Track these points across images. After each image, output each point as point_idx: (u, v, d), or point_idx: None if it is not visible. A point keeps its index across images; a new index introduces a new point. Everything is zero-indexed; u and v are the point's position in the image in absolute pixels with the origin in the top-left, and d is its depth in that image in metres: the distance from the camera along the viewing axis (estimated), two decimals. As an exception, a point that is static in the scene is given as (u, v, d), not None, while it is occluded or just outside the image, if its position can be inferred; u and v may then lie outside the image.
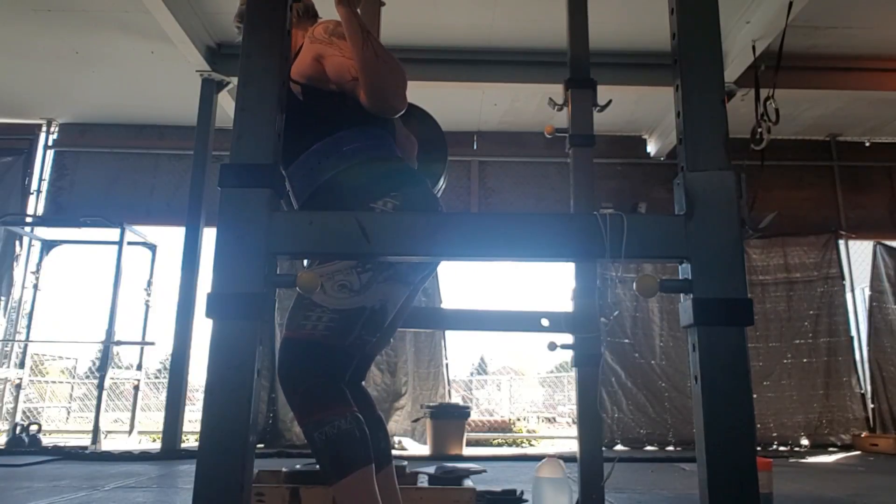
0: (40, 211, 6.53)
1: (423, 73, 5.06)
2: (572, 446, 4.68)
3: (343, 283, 1.44)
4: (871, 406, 6.04)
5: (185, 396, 5.28)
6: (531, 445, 6.53)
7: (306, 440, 1.40)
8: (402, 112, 1.57)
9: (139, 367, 6.15)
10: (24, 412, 6.40)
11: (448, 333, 6.19)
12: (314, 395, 1.40)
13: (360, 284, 1.45)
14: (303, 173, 1.57)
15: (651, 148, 6.83)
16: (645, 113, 6.37)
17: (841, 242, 6.45)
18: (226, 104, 5.62)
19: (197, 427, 5.30)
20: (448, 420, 5.25)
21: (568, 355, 2.15)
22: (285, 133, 1.57)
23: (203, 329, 3.81)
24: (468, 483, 2.52)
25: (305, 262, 1.67)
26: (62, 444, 5.33)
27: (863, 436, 5.77)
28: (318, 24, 1.60)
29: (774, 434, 5.91)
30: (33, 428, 5.24)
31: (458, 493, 2.32)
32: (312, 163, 1.56)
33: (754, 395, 5.82)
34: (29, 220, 6.31)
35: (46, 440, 5.58)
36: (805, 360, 6.05)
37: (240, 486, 0.90)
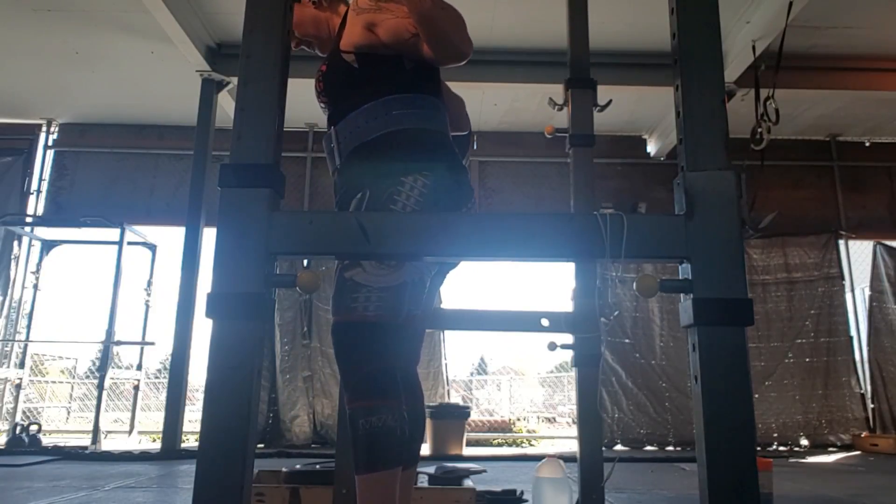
0: (40, 211, 6.53)
1: (423, 73, 5.05)
2: (572, 446, 4.68)
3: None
4: (871, 406, 6.04)
5: (185, 396, 5.28)
6: (531, 445, 6.53)
7: (349, 422, 1.40)
8: (468, 57, 1.56)
9: (139, 367, 6.15)
10: (24, 412, 6.40)
11: (448, 333, 6.19)
12: (371, 382, 1.41)
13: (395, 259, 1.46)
14: (349, 130, 1.57)
15: (651, 148, 6.83)
16: (645, 113, 6.37)
17: (841, 242, 6.45)
18: (226, 104, 5.62)
19: (197, 427, 5.31)
20: (448, 420, 5.25)
21: (568, 355, 2.15)
22: (338, 97, 1.62)
23: (203, 329, 3.81)
24: (468, 483, 2.52)
25: (305, 261, 1.69)
26: (62, 444, 5.34)
27: (863, 436, 5.77)
28: None
29: (775, 434, 5.91)
30: (33, 428, 5.24)
31: (458, 493, 2.32)
32: (360, 122, 1.56)
33: (756, 396, 5.82)
34: (29, 220, 6.31)
35: (46, 440, 5.58)
36: (807, 360, 6.05)
37: (240, 486, 0.90)
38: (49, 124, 6.74)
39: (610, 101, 2.28)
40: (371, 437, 1.37)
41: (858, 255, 6.68)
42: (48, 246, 6.30)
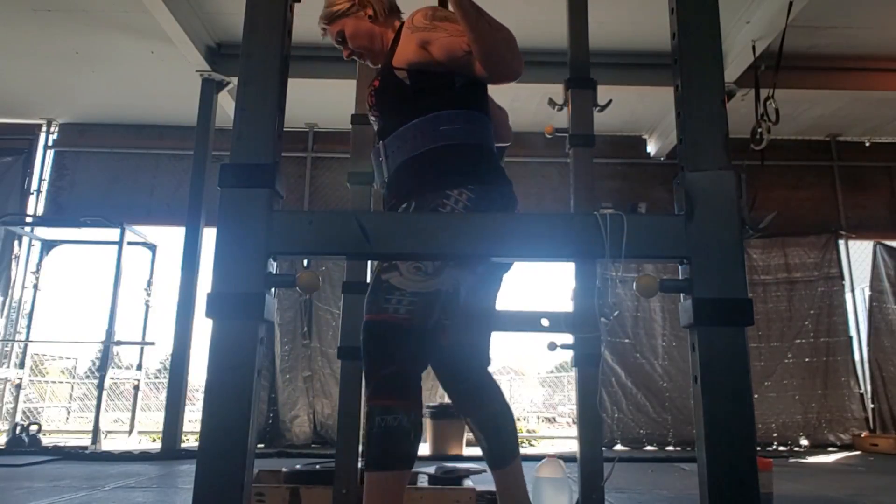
0: (40, 211, 6.53)
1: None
2: (572, 446, 4.68)
3: (418, 265, 1.49)
4: (871, 406, 6.04)
5: (185, 396, 5.28)
6: (531, 445, 6.53)
7: (365, 419, 1.43)
8: (520, 76, 1.60)
9: (139, 367, 6.15)
10: (24, 412, 6.40)
11: (448, 333, 6.17)
12: (393, 382, 1.44)
13: (433, 268, 1.49)
14: (398, 144, 1.63)
15: (651, 148, 6.83)
16: (645, 113, 6.36)
17: (841, 242, 6.45)
18: (226, 104, 5.62)
19: (197, 427, 5.31)
20: (448, 420, 5.25)
21: (568, 355, 2.15)
22: (389, 112, 1.67)
23: (203, 329, 3.81)
24: (468, 483, 2.52)
25: (305, 261, 1.72)
26: (62, 444, 5.34)
27: (863, 436, 5.77)
28: (416, 13, 1.64)
29: (775, 434, 5.91)
30: (33, 428, 5.24)
31: (458, 493, 2.32)
32: (408, 136, 1.61)
33: (756, 396, 5.82)
34: (29, 220, 6.31)
35: (46, 440, 5.59)
36: (806, 360, 6.05)
37: (240, 486, 0.90)
38: (49, 124, 6.74)
39: (610, 101, 2.28)
40: (386, 435, 1.40)
41: (858, 255, 6.67)
42: (48, 246, 6.30)
